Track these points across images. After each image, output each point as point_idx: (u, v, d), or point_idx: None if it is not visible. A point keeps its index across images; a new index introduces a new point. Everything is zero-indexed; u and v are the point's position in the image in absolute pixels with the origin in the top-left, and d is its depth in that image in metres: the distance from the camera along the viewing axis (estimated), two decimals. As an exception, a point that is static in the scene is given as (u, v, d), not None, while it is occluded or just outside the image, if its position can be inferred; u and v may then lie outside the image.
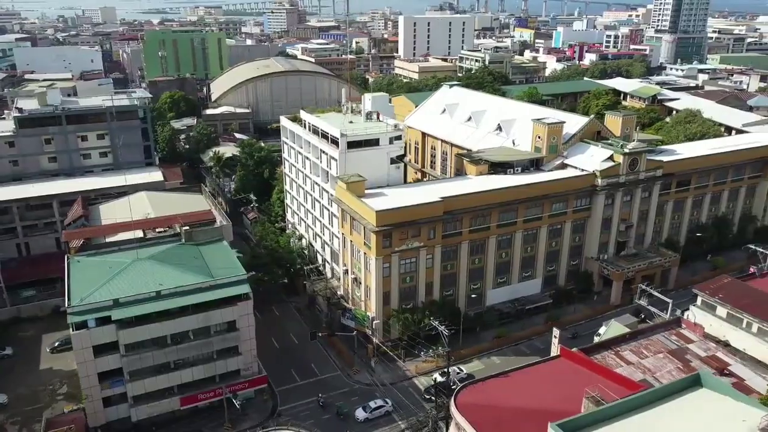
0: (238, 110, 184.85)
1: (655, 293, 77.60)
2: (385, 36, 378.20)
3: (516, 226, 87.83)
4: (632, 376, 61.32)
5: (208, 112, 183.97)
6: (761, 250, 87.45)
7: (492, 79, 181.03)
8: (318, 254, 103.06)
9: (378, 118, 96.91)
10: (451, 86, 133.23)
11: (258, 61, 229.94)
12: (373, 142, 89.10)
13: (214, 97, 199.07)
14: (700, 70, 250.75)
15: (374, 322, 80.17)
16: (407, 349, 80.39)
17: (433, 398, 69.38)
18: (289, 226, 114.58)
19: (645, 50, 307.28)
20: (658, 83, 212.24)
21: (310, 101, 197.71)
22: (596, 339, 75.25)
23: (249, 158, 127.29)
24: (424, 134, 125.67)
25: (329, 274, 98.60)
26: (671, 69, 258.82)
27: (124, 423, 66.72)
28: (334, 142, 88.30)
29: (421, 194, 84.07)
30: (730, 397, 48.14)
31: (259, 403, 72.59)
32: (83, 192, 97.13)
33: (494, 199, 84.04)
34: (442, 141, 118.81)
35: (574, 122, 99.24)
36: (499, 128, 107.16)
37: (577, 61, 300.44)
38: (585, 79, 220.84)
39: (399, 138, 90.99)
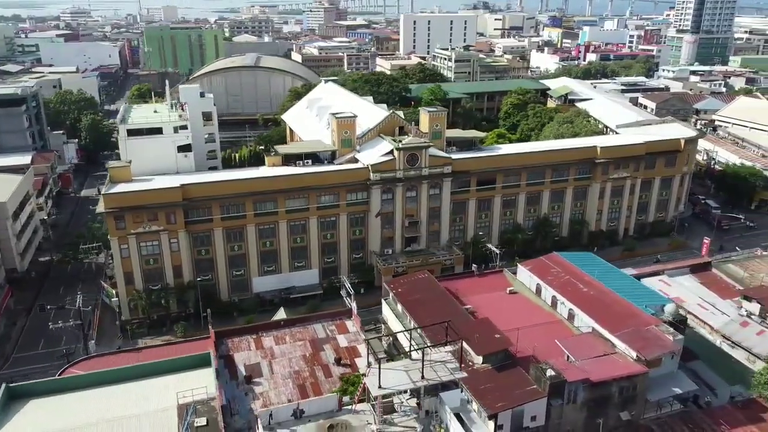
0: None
1: (347, 285, 77.16)
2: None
3: (278, 216, 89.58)
4: (249, 360, 62.93)
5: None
6: (492, 248, 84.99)
7: (423, 75, 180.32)
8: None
9: (183, 108, 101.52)
10: (326, 81, 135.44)
11: (232, 57, 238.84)
12: (156, 131, 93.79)
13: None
14: (693, 72, 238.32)
15: (113, 300, 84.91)
16: (154, 328, 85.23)
17: None
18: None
19: (652, 51, 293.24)
20: (624, 84, 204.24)
21: (264, 96, 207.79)
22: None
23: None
24: (290, 128, 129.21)
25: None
26: (663, 70, 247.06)
27: None
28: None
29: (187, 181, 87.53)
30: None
31: (-14, 365, 79.53)
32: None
33: (243, 188, 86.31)
34: (299, 135, 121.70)
35: (375, 117, 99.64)
36: (328, 123, 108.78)
37: (581, 61, 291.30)
38: (563, 78, 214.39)
39: (185, 128, 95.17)
